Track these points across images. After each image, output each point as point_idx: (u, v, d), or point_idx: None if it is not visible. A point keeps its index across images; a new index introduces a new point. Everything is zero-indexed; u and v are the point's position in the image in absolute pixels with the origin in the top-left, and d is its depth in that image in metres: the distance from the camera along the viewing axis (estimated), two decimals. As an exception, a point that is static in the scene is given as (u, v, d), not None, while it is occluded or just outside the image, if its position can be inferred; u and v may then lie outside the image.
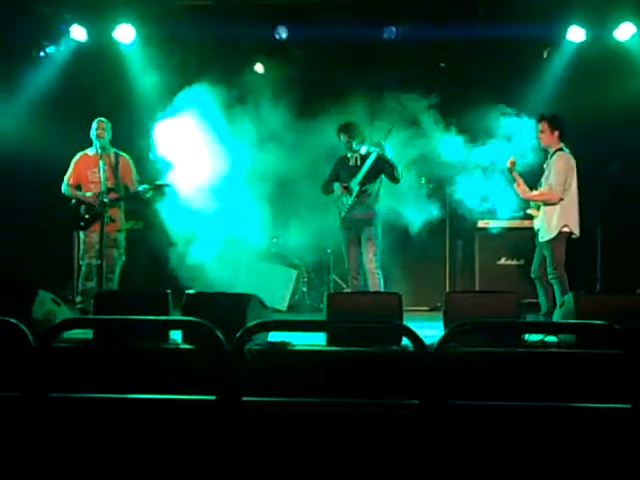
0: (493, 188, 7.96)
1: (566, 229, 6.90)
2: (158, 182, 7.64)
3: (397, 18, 8.95)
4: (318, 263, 9.26)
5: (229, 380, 3.66)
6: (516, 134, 7.49)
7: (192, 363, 4.81)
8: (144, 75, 9.00)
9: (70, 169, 7.66)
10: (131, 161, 7.76)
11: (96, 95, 8.98)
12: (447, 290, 8.94)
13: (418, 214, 8.12)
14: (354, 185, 7.65)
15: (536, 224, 7.17)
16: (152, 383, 4.56)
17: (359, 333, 5.03)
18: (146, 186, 7.55)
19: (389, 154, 7.51)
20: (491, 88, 8.65)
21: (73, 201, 7.56)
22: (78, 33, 9.10)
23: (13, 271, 8.42)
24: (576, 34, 8.83)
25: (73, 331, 4.61)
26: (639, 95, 8.67)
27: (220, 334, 3.68)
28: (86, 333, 5.27)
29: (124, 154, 7.73)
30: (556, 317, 5.89)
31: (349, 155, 7.83)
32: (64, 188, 7.62)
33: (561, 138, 7.05)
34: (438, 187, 8.84)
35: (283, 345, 5.12)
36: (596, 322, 3.87)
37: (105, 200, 7.26)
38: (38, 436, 3.77)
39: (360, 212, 7.67)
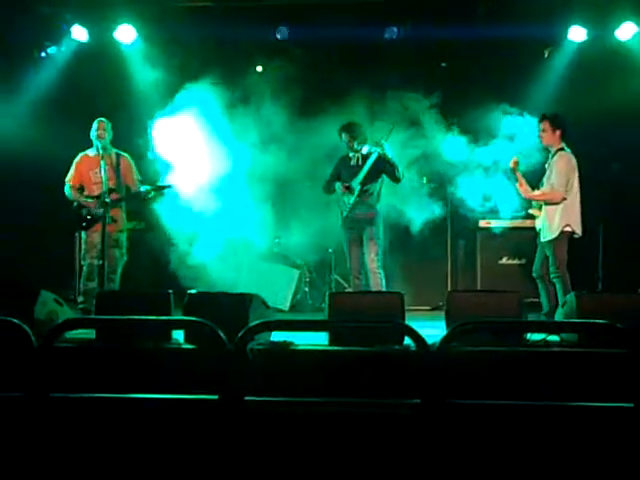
0: (495, 188, 7.95)
1: (568, 229, 6.90)
2: (160, 183, 7.64)
3: (398, 18, 8.95)
4: (320, 263, 9.27)
5: (231, 380, 3.66)
6: (518, 133, 7.50)
7: (194, 363, 4.81)
8: (145, 75, 8.99)
9: (71, 170, 7.65)
10: (132, 161, 7.75)
11: (97, 95, 8.99)
12: (449, 289, 8.97)
13: (420, 213, 8.12)
14: (355, 185, 7.65)
15: (538, 224, 7.18)
16: (154, 383, 4.56)
17: (361, 333, 5.03)
18: (148, 187, 7.55)
19: (390, 154, 7.51)
20: (492, 88, 8.65)
21: (75, 204, 7.57)
22: (79, 33, 9.11)
23: (15, 271, 8.43)
24: (577, 34, 8.83)
25: (75, 331, 4.61)
26: (640, 95, 8.69)
27: (222, 334, 3.68)
28: (88, 333, 5.27)
29: (125, 154, 7.73)
30: (558, 316, 5.89)
31: (351, 155, 7.84)
32: (66, 190, 7.61)
33: (563, 138, 7.05)
34: (440, 186, 8.84)
35: (285, 345, 5.12)
36: (598, 321, 3.86)
37: (107, 200, 7.26)
38: (41, 436, 3.77)
39: (362, 212, 7.68)
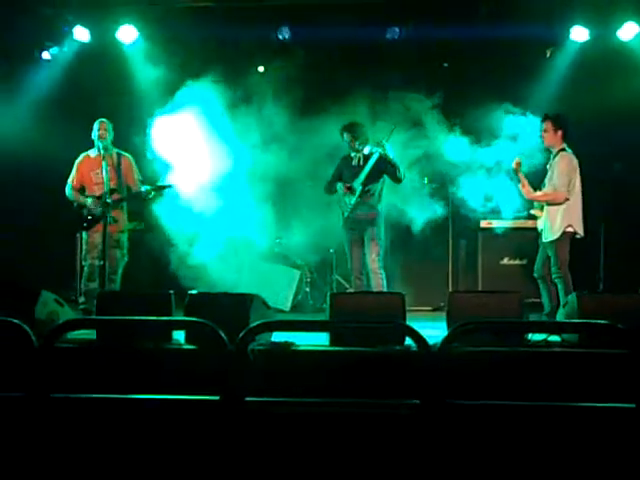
0: (496, 188, 7.94)
1: (570, 229, 6.90)
2: (160, 183, 7.64)
3: (399, 18, 8.94)
4: (321, 263, 9.27)
5: (232, 380, 3.65)
6: (520, 134, 7.49)
7: (195, 363, 4.81)
8: (146, 76, 9.00)
9: (73, 171, 7.66)
10: (133, 161, 7.75)
11: (99, 96, 8.98)
12: (450, 290, 8.94)
13: (421, 214, 8.11)
14: (357, 185, 7.65)
15: (539, 224, 7.17)
16: (155, 383, 4.56)
17: (362, 333, 5.03)
18: (148, 187, 7.55)
19: (391, 154, 7.51)
20: (494, 88, 8.64)
21: (75, 204, 7.57)
22: (81, 34, 9.11)
23: (16, 271, 8.44)
24: (579, 34, 8.81)
25: (76, 332, 4.60)
26: (642, 94, 8.68)
27: (223, 334, 3.68)
28: (89, 334, 5.27)
29: (126, 154, 7.73)
30: (559, 317, 5.89)
31: (352, 155, 7.84)
32: (67, 191, 7.63)
33: (564, 138, 7.05)
34: (441, 187, 8.84)
35: (286, 345, 5.12)
36: (599, 321, 3.86)
37: (108, 201, 7.26)
38: (41, 437, 3.76)
39: (363, 212, 7.67)
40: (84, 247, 7.57)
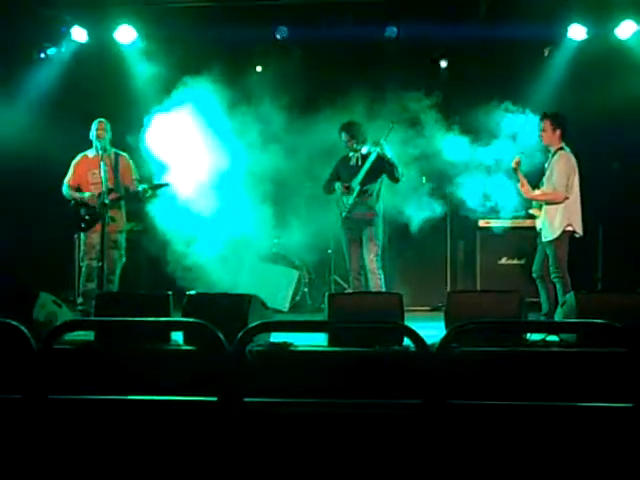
0: (495, 187, 7.94)
1: (569, 228, 6.89)
2: (157, 182, 7.63)
3: (398, 17, 8.94)
4: (319, 263, 9.26)
5: (230, 381, 3.65)
6: (518, 132, 7.49)
7: (193, 364, 4.82)
8: (144, 76, 9.00)
9: (70, 171, 7.65)
10: (131, 161, 7.74)
11: (97, 96, 8.96)
12: (448, 290, 8.93)
13: (419, 213, 8.10)
14: (355, 185, 7.64)
15: (538, 224, 7.16)
16: (153, 384, 4.55)
17: (360, 333, 5.03)
18: (145, 186, 7.54)
19: (389, 153, 7.50)
20: (492, 87, 8.62)
21: (72, 202, 7.56)
22: (79, 34, 9.11)
23: (14, 273, 8.43)
24: (577, 32, 8.81)
25: (74, 333, 4.60)
26: (640, 93, 8.68)
27: (221, 335, 3.67)
28: (87, 335, 5.27)
29: (124, 154, 7.72)
30: (558, 316, 5.89)
31: (350, 154, 7.83)
32: (64, 190, 7.62)
33: (562, 137, 7.04)
34: (439, 186, 8.82)
35: (285, 346, 5.12)
36: (597, 321, 3.85)
37: (106, 201, 7.25)
38: (40, 438, 3.76)
39: (361, 212, 7.66)
40: (82, 248, 7.56)
